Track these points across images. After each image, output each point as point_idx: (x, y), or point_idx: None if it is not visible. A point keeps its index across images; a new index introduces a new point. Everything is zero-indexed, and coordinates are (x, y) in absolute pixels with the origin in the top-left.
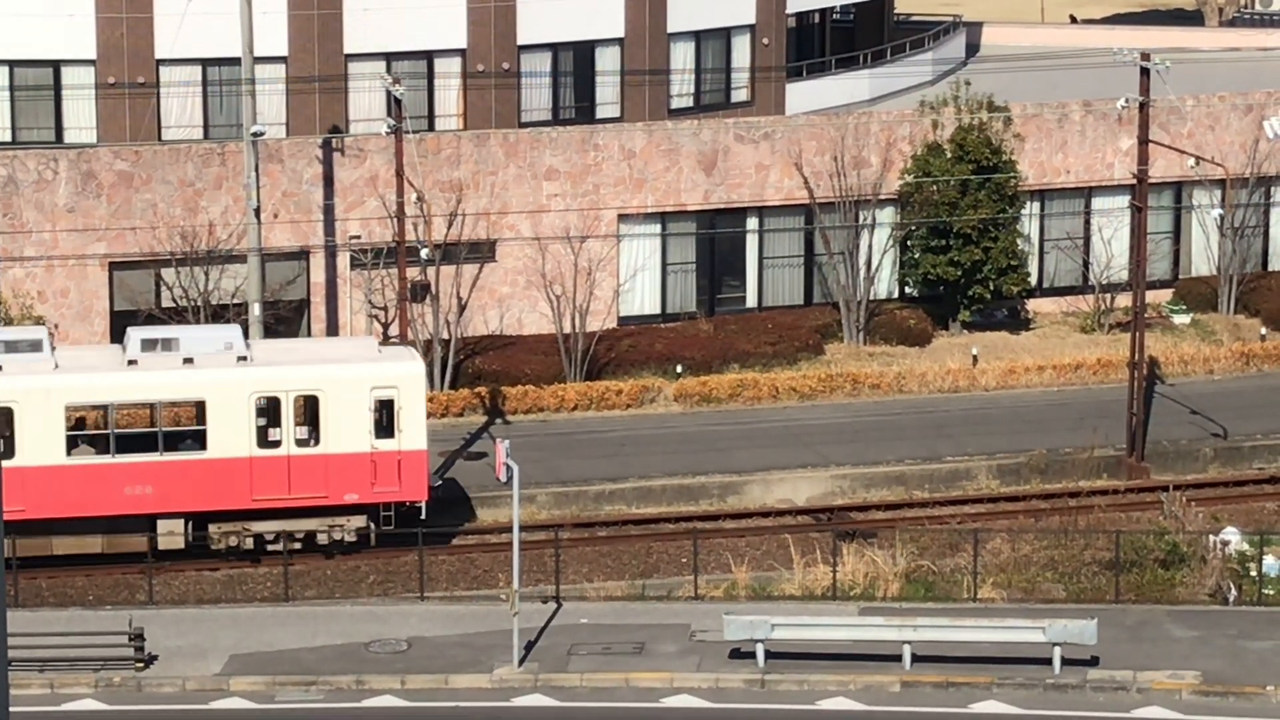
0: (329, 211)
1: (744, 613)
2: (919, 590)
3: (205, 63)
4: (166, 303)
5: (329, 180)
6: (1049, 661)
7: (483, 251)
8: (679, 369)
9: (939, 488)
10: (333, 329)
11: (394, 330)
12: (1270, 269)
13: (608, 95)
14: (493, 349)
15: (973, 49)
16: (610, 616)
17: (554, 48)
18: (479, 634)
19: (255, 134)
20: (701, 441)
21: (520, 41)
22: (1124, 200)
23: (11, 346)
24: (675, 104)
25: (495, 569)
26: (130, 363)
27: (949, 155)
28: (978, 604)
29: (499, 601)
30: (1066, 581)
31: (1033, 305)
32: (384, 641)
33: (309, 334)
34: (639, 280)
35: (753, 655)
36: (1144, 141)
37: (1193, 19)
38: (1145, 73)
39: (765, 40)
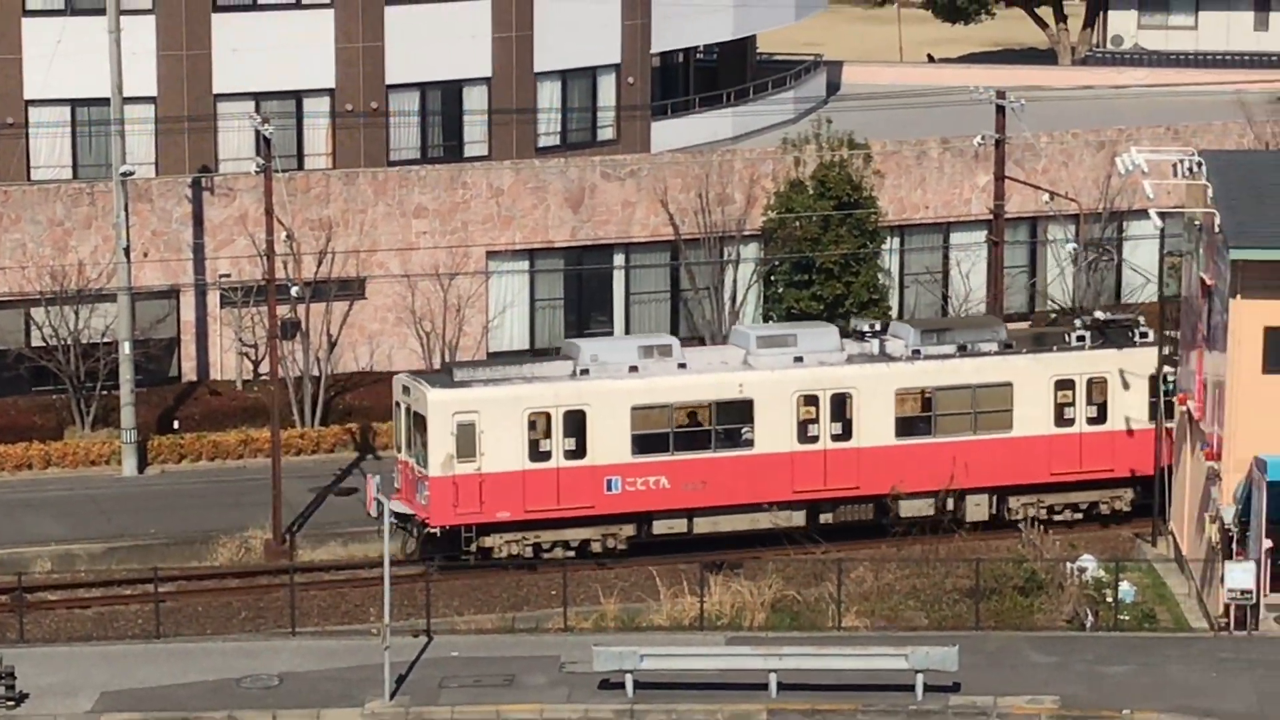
0: (199, 250)
1: (613, 644)
2: (784, 620)
3: (74, 103)
4: (36, 342)
5: (198, 219)
6: (912, 688)
7: (352, 289)
8: None
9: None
10: (203, 368)
11: (264, 368)
12: (1124, 301)
13: (476, 134)
14: (363, 385)
15: (833, 88)
16: (481, 649)
17: (422, 87)
18: (350, 668)
19: (124, 174)
20: None
21: (388, 81)
22: (981, 235)
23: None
24: (543, 142)
25: (366, 603)
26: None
27: (811, 192)
28: (842, 632)
29: (370, 636)
30: (928, 609)
31: None
32: (255, 677)
33: (178, 373)
34: (508, 316)
35: (622, 686)
36: (1000, 178)
37: (1046, 58)
38: (1001, 110)
39: (630, 79)
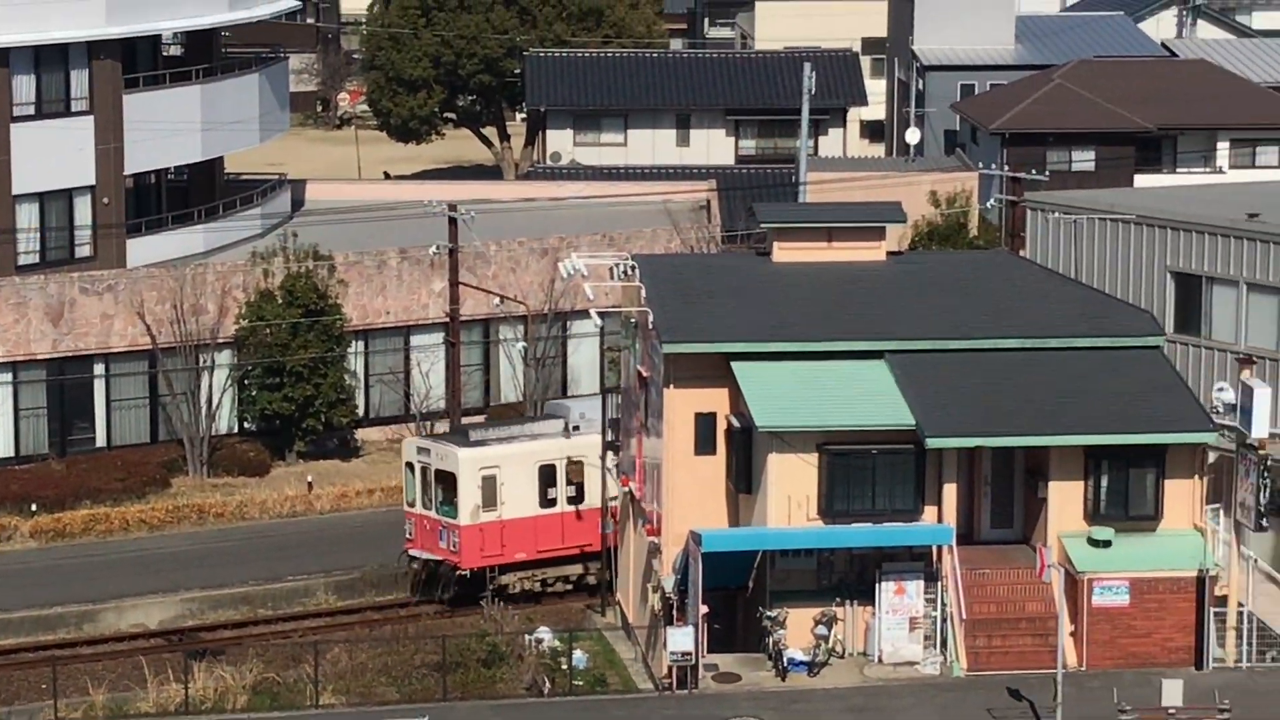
0: None
1: None
2: (265, 701)
3: None
4: None
5: None
6: None
7: None
8: (34, 507)
9: (281, 605)
10: None
11: None
12: (570, 394)
13: None
14: None
15: (298, 204)
16: None
17: None
18: None
19: None
20: (58, 574)
21: None
22: (439, 336)
23: None
24: (23, 260)
25: None
26: None
27: (280, 301)
28: (320, 710)
29: None
30: (399, 684)
31: (361, 434)
32: None
33: None
34: None
35: None
36: (454, 283)
37: (493, 173)
38: (453, 222)
39: (105, 199)
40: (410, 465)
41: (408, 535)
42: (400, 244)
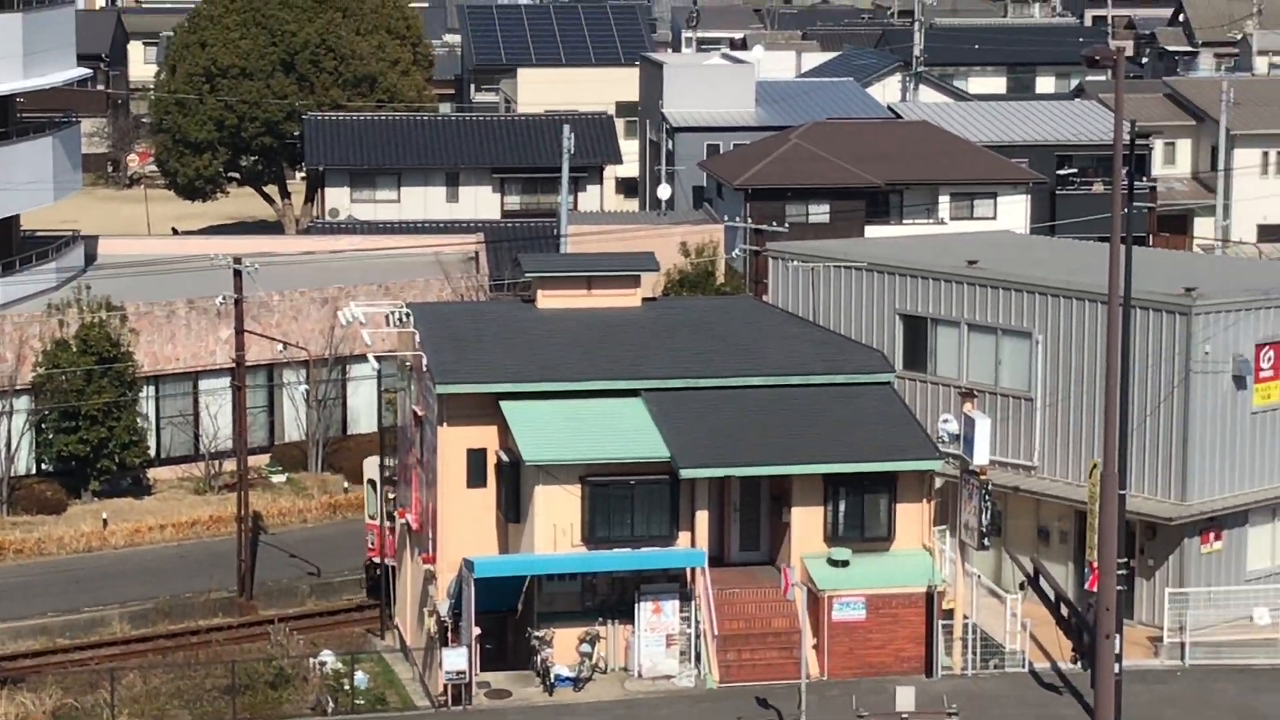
0: None
1: None
2: None
3: None
4: None
5: None
6: None
7: None
8: None
9: (80, 635)
10: None
11: None
12: (349, 433)
13: None
14: None
15: (91, 258)
16: None
17: None
18: None
19: None
20: None
21: None
22: (226, 381)
23: None
24: None
25: None
26: None
27: (75, 349)
28: None
29: None
30: (191, 707)
31: (153, 474)
32: None
33: None
34: None
35: None
36: (240, 331)
37: (275, 229)
38: (238, 274)
39: None
40: (371, 482)
41: (369, 545)
42: (188, 295)
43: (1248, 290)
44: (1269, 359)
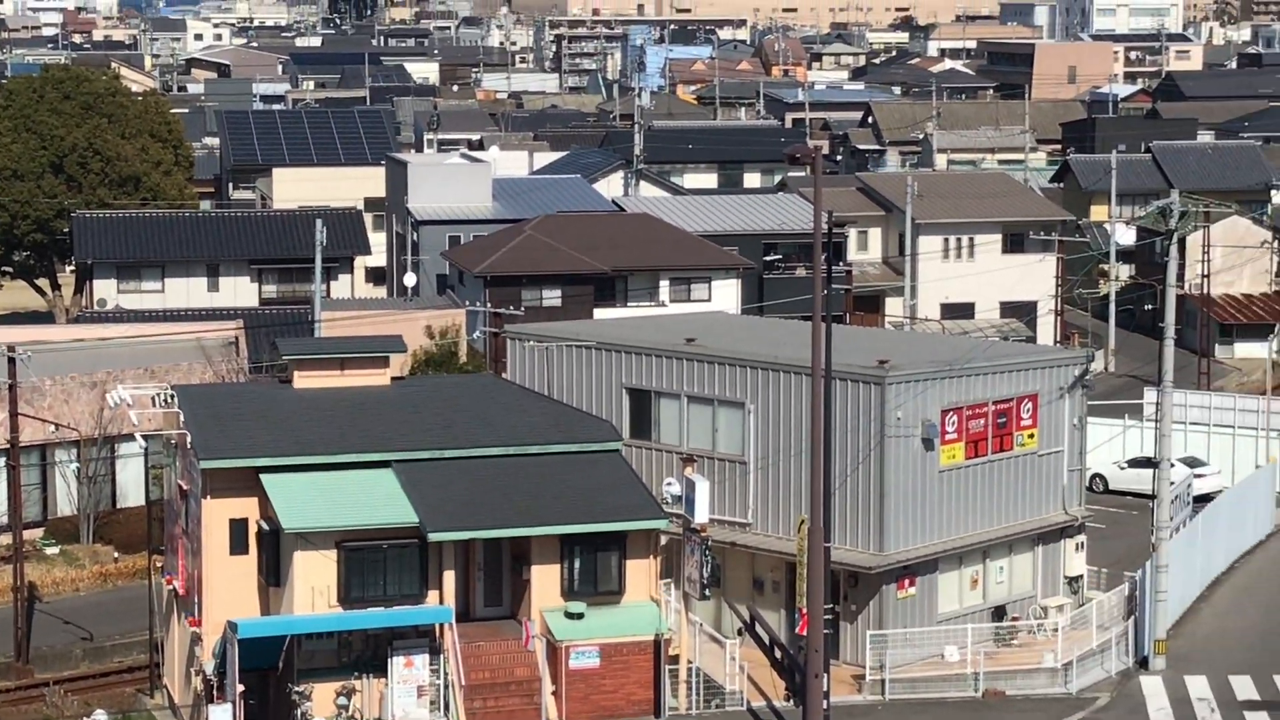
0: None
1: None
2: None
3: None
4: None
5: None
6: None
7: None
8: None
9: None
10: None
11: None
12: (119, 507)
13: None
14: None
15: None
16: None
17: None
18: None
19: None
20: None
21: None
22: (2, 461)
23: None
24: None
25: None
26: None
27: None
28: None
29: None
30: None
31: None
32: None
33: None
34: None
35: None
36: (14, 415)
37: (47, 318)
38: (12, 361)
39: None
40: None
41: None
42: None
43: (933, 362)
44: (953, 423)
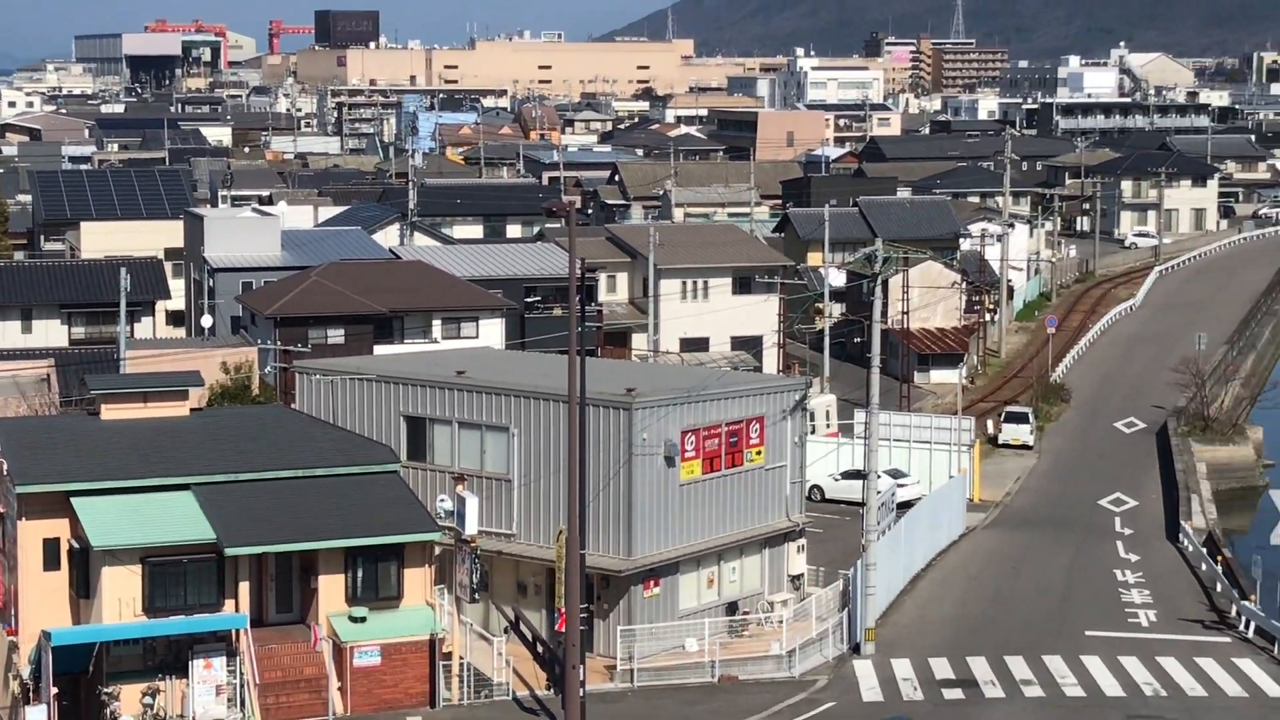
0: None
1: None
2: None
3: None
4: None
5: None
6: None
7: None
8: None
9: None
10: None
11: None
12: None
13: None
14: None
15: None
16: None
17: None
18: None
19: None
20: None
21: None
22: None
23: None
24: None
25: None
26: None
27: None
28: None
29: None
30: None
31: None
32: None
33: None
34: None
35: None
36: None
37: None
38: None
39: None
40: None
41: None
42: None
43: (674, 389)
44: (691, 442)
